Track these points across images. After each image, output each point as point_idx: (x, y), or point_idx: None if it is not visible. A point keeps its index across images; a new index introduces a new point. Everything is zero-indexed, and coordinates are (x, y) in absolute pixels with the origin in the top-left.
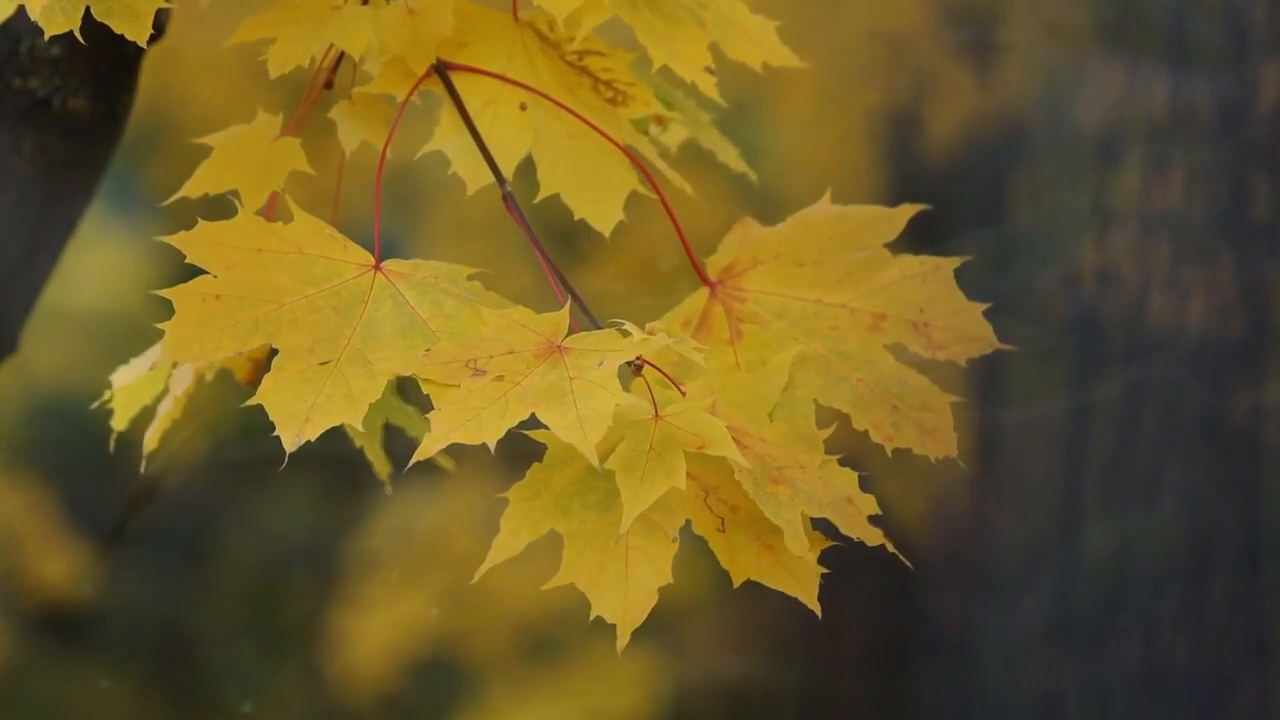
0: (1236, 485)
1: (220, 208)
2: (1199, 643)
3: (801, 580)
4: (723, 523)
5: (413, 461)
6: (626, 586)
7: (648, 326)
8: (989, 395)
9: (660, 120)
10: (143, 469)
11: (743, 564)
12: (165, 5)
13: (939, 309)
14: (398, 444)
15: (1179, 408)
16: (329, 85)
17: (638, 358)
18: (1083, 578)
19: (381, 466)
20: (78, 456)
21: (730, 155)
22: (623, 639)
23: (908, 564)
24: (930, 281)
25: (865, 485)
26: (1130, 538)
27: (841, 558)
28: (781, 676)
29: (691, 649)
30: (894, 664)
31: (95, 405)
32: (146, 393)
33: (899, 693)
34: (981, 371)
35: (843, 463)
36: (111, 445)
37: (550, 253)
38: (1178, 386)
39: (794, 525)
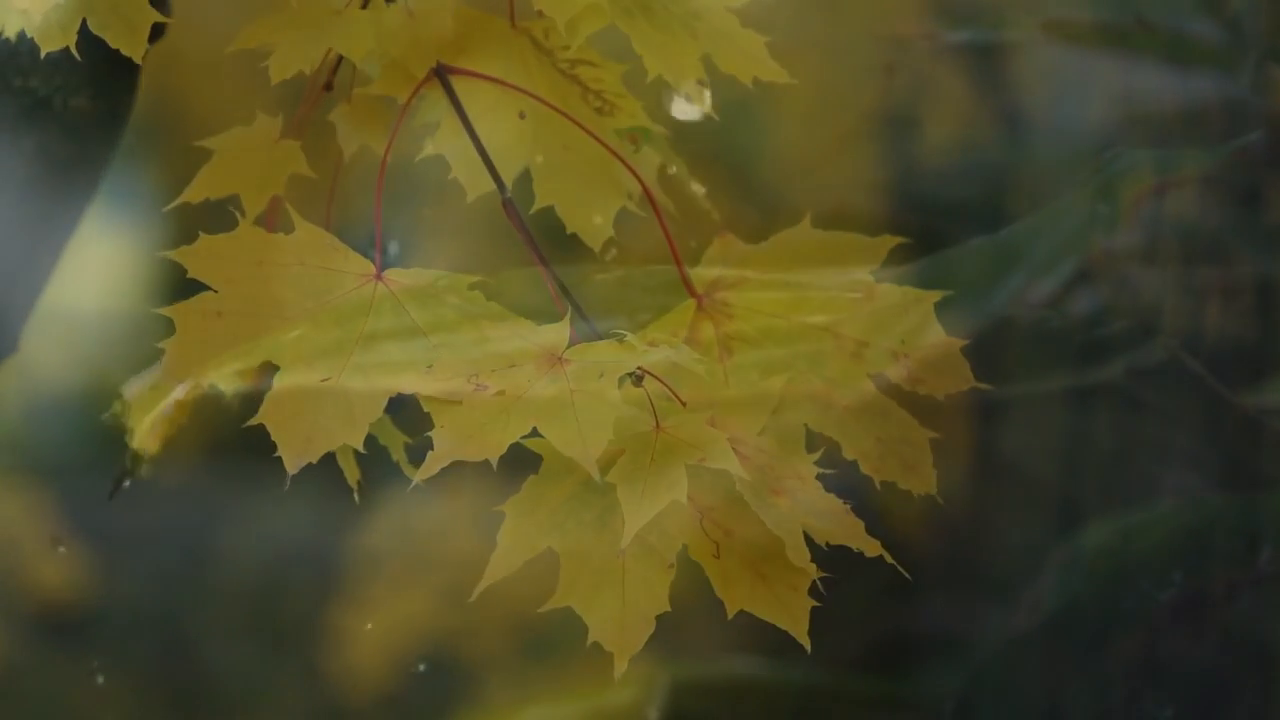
0: (1239, 479)
1: (221, 208)
2: (1199, 640)
3: (794, 614)
4: (718, 548)
5: (415, 481)
6: (623, 613)
7: (639, 334)
8: (989, 382)
9: (634, 139)
10: (140, 471)
11: (737, 595)
12: (161, 19)
13: (918, 341)
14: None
15: (1183, 401)
16: (328, 87)
17: (638, 369)
18: (1083, 572)
19: (351, 473)
20: (78, 457)
21: (697, 192)
22: (619, 667)
23: (905, 574)
24: (911, 313)
25: (864, 490)
26: (1130, 531)
27: (842, 556)
28: (781, 675)
29: (691, 648)
30: (894, 663)
31: (105, 416)
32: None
33: (899, 692)
34: (982, 363)
35: (835, 481)
36: (138, 468)
37: (551, 253)
38: (1182, 380)
39: (795, 536)
